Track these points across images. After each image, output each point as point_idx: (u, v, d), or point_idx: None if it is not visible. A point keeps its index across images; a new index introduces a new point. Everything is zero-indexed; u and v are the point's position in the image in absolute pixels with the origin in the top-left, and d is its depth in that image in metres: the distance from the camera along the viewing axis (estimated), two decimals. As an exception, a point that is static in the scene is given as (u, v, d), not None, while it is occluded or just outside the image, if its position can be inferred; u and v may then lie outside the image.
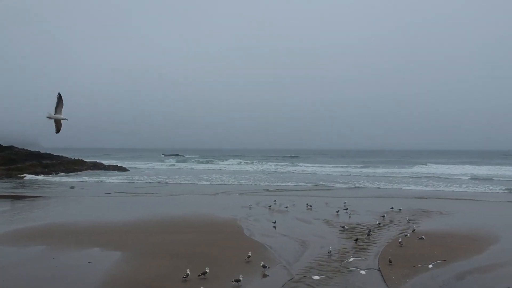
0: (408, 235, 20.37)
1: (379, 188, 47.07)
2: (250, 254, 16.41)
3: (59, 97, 12.42)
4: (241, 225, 23.61)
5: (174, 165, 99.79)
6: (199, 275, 13.95)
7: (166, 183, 52.22)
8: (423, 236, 19.64)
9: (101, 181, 54.01)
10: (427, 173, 71.04)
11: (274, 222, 24.12)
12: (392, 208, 30.02)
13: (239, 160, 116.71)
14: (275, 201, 33.66)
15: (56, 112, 12.77)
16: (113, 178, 57.37)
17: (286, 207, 30.81)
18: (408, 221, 24.75)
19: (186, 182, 53.38)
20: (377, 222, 24.15)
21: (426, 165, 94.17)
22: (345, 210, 29.36)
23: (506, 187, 46.08)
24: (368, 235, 20.51)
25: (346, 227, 22.86)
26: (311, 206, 31.25)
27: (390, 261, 15.69)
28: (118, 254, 17.26)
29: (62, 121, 13.35)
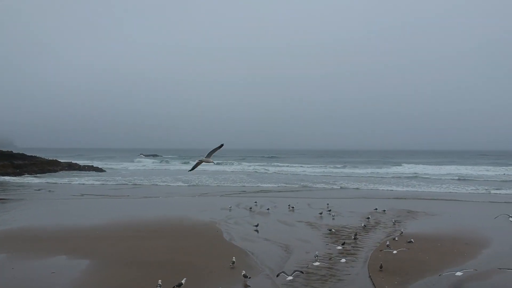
0: (396, 239, 19.42)
1: (360, 189, 46.45)
2: (234, 260, 15.21)
3: (220, 146, 14.10)
4: (221, 229, 22.26)
5: (151, 165, 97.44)
6: (174, 287, 12.58)
7: (142, 184, 50.30)
8: (412, 240, 18.71)
9: (73, 182, 51.63)
10: (408, 173, 71.07)
11: (256, 226, 22.84)
12: (376, 209, 29.20)
13: (217, 160, 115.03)
14: (255, 202, 32.49)
15: (207, 156, 14.71)
16: (87, 179, 55.06)
17: (268, 208, 29.65)
18: (394, 223, 23.89)
19: (163, 183, 51.57)
20: (362, 224, 23.19)
21: (401, 165, 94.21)
22: (328, 212, 28.37)
23: (486, 187, 46.14)
24: (355, 238, 19.46)
25: (333, 230, 21.64)
26: (293, 207, 30.24)
27: (381, 267, 14.65)
28: (85, 263, 15.71)
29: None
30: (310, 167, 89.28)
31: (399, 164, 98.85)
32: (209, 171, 78.31)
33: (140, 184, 49.97)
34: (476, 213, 29.00)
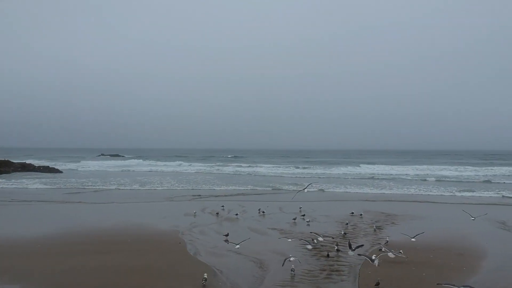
0: (383, 249, 17.33)
1: (330, 191, 44.63)
2: (206, 277, 13.01)
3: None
4: (184, 240, 19.48)
5: (111, 166, 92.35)
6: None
7: (99, 187, 46.30)
8: (401, 251, 16.65)
9: (20, 186, 46.94)
10: (376, 173, 70.07)
11: (227, 235, 20.21)
12: (353, 213, 27.30)
13: (180, 161, 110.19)
14: (223, 206, 29.96)
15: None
16: (36, 181, 50.37)
17: (236, 214, 27.09)
18: (375, 230, 21.92)
19: (122, 186, 47.77)
20: (342, 232, 21.02)
21: (361, 165, 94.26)
22: (302, 217, 26.19)
23: (456, 188, 45.56)
24: (337, 250, 17.19)
25: (319, 239, 18.60)
26: (263, 212, 27.89)
27: (377, 284, 12.48)
28: (15, 290, 12.66)
29: None
30: (276, 167, 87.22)
31: (365, 163, 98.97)
32: (172, 172, 74.87)
33: (97, 187, 45.97)
34: (456, 217, 27.37)
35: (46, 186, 46.06)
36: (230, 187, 47.00)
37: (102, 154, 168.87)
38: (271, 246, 18.34)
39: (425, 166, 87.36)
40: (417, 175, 66.81)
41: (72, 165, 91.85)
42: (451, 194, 41.10)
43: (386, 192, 42.79)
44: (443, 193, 41.49)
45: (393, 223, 24.48)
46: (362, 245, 16.39)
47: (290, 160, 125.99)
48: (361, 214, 26.83)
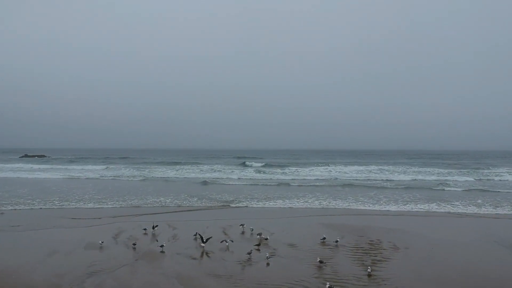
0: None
1: (269, 206, 37.21)
2: None
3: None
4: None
5: (26, 170, 78.35)
6: None
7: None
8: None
9: None
10: (308, 178, 63.81)
11: None
12: (324, 238, 20.15)
13: (104, 165, 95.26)
14: (145, 230, 21.87)
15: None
16: None
17: (162, 245, 18.77)
18: (369, 275, 14.63)
19: (13, 201, 36.78)
20: (327, 286, 13.33)
21: (289, 167, 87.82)
22: (257, 248, 18.56)
23: (419, 195, 40.30)
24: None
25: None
26: (202, 239, 19.52)
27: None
28: None
29: None
30: (211, 171, 77.22)
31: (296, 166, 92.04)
32: (91, 178, 61.95)
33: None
34: (450, 235, 21.02)
35: None
36: (161, 198, 37.67)
37: (26, 155, 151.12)
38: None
39: (375, 167, 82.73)
40: (369, 179, 61.29)
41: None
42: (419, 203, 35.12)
43: (339, 203, 34.94)
44: (409, 203, 35.37)
45: (384, 257, 17.26)
46: None
47: (228, 161, 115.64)
48: (336, 241, 19.66)
